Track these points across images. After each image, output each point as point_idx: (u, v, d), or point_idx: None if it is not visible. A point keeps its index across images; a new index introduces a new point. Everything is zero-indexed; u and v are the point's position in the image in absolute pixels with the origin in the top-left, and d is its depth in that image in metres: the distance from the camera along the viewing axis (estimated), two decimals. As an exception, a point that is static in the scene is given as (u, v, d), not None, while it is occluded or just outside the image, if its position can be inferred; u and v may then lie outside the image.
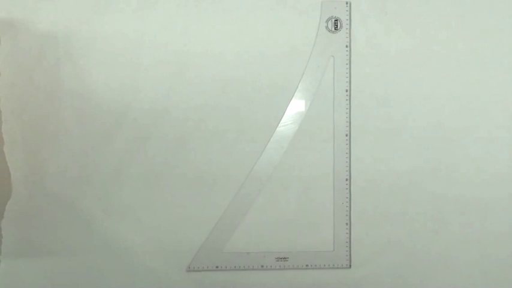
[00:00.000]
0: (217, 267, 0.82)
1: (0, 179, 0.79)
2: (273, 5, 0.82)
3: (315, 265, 0.82)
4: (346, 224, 0.83)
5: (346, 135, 0.83)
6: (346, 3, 0.83)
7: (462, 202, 0.85)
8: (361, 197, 0.83)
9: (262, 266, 0.82)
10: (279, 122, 0.82)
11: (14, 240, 0.80)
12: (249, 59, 0.82)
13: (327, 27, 0.82)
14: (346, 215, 0.83)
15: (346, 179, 0.83)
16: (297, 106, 0.82)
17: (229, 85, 0.81)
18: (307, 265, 0.82)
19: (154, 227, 0.82)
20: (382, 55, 0.83)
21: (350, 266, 0.84)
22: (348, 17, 0.83)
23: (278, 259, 0.82)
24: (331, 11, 0.82)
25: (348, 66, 0.83)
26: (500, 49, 0.84)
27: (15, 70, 0.79)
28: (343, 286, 0.83)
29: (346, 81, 0.83)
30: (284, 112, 0.82)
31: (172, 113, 0.81)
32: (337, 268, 0.83)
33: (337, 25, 0.82)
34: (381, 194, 0.84)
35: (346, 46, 0.83)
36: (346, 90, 0.83)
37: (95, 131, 0.80)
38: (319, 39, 0.82)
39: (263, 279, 0.82)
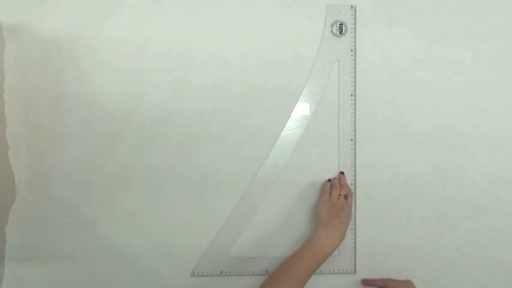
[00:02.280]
0: (221, 272, 0.82)
1: (4, 183, 0.79)
2: (277, 9, 0.82)
3: (320, 270, 0.81)
4: (351, 228, 0.83)
5: (352, 140, 0.82)
6: (351, 7, 0.82)
7: (468, 206, 0.84)
8: (366, 202, 0.82)
9: (266, 271, 0.82)
10: (284, 127, 0.82)
11: (18, 244, 0.80)
12: (254, 63, 0.81)
13: (331, 31, 0.82)
14: (352, 220, 0.82)
15: (351, 184, 0.82)
16: (301, 110, 0.82)
17: (234, 89, 0.81)
18: (311, 270, 0.81)
19: (158, 231, 0.81)
20: (387, 59, 0.83)
21: (355, 271, 0.83)
22: (353, 21, 0.82)
23: (283, 264, 0.82)
24: (336, 15, 0.82)
25: (353, 70, 0.82)
26: (507, 53, 0.84)
27: (20, 75, 0.79)
28: (348, 291, 0.83)
29: (351, 86, 0.82)
30: (289, 116, 0.82)
31: (177, 117, 0.81)
32: (342, 273, 0.82)
33: (342, 29, 0.82)
34: (386, 198, 0.83)
35: (351, 50, 0.82)
36: (351, 95, 0.82)
37: (99, 135, 0.80)
38: (324, 43, 0.82)
39: (268, 285, 0.82)
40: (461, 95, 0.84)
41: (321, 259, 0.73)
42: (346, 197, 0.79)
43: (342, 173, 0.82)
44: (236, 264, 0.82)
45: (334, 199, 0.78)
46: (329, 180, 0.81)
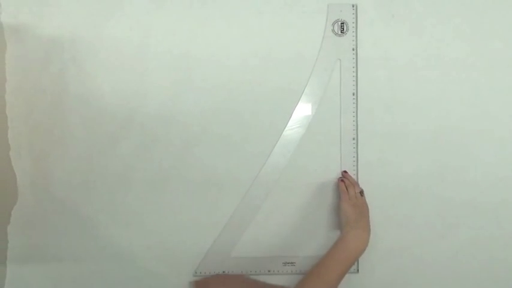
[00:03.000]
0: (224, 272, 0.82)
1: (6, 184, 0.79)
2: (279, 8, 0.81)
3: (322, 270, 0.82)
4: (354, 228, 0.83)
5: (353, 139, 0.82)
6: (353, 6, 0.82)
7: (470, 206, 0.84)
8: (368, 202, 0.82)
9: (269, 271, 0.82)
10: (286, 126, 0.82)
11: (20, 245, 0.80)
12: (255, 62, 0.81)
13: (333, 30, 0.82)
14: (354, 219, 0.82)
15: (354, 183, 0.82)
16: (303, 110, 0.82)
17: (236, 89, 0.81)
18: (314, 270, 0.81)
19: (160, 231, 0.81)
20: (388, 58, 0.83)
21: (358, 270, 0.83)
22: (354, 20, 0.82)
23: (285, 264, 0.82)
24: (337, 14, 0.82)
25: (354, 69, 0.82)
26: (508, 52, 0.84)
27: (22, 75, 0.79)
28: (350, 291, 0.83)
29: (353, 85, 0.82)
30: (290, 116, 0.82)
31: (179, 117, 0.81)
32: (345, 273, 0.82)
33: (343, 28, 0.82)
34: (389, 198, 0.83)
35: (353, 49, 0.82)
36: (353, 94, 0.82)
37: (101, 135, 0.80)
38: (326, 42, 0.82)
39: (270, 284, 0.82)
40: (462, 94, 0.84)
41: (353, 260, 0.73)
42: (361, 193, 0.79)
43: (345, 171, 0.82)
44: (239, 264, 0.82)
45: (354, 198, 0.78)
46: (342, 180, 0.81)
